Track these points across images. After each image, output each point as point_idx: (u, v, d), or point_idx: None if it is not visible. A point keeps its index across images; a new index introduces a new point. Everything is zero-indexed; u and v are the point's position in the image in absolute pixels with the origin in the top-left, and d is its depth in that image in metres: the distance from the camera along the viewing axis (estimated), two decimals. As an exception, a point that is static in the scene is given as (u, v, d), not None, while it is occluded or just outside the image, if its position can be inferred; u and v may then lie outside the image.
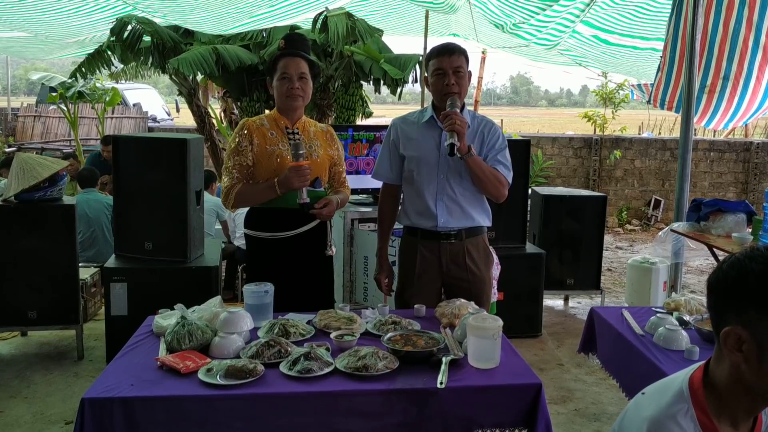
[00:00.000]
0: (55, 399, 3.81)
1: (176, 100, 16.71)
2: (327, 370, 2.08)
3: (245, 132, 2.97)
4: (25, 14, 6.31)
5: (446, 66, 2.82)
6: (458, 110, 2.77)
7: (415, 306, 2.73)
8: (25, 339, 4.78)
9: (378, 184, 3.15)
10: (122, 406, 1.94)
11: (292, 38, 3.04)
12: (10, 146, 12.32)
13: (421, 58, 7.14)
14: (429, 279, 2.96)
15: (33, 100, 16.94)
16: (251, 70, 7.54)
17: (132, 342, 2.41)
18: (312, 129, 3.08)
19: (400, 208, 3.07)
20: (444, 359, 2.13)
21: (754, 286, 1.24)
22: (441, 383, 2.00)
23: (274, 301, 2.62)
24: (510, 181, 2.93)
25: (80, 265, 4.58)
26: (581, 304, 5.92)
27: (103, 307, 4.34)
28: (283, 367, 2.09)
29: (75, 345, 4.44)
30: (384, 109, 22.94)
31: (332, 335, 2.33)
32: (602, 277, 5.89)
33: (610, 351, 2.83)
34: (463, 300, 2.65)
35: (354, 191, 3.96)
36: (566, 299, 5.96)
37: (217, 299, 2.61)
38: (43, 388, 3.97)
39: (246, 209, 3.10)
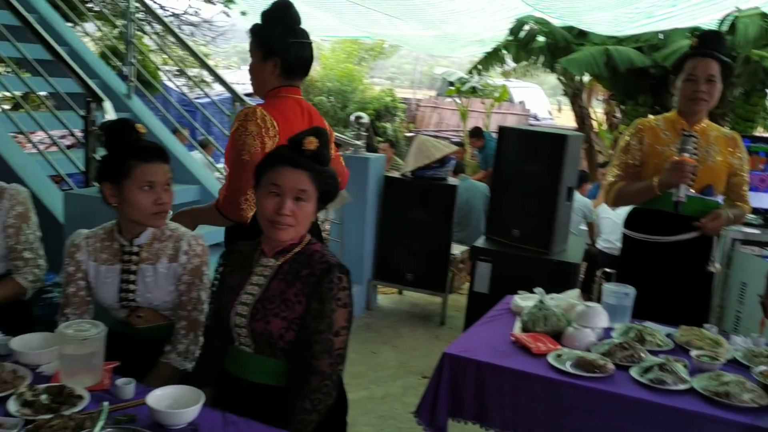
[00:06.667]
0: (417, 353, 4.31)
1: (558, 101, 17.02)
2: (682, 386, 1.96)
3: (636, 131, 2.92)
4: (438, 14, 7.14)
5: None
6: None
7: (802, 344, 2.37)
8: (400, 297, 5.50)
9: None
10: (475, 368, 2.12)
11: (706, 36, 2.84)
12: (410, 132, 14.09)
13: None
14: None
15: (433, 93, 19.01)
16: (640, 73, 7.30)
17: (490, 314, 2.61)
18: (713, 134, 2.84)
19: None
20: (830, 410, 1.83)
21: None
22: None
23: (637, 305, 2.53)
24: None
25: (453, 241, 5.08)
26: None
27: (467, 283, 4.74)
28: (633, 372, 2.03)
29: (439, 311, 4.95)
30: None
31: (692, 353, 2.17)
32: None
33: None
34: None
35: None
36: None
37: (576, 292, 2.65)
38: (408, 341, 4.53)
39: (623, 212, 3.06)
